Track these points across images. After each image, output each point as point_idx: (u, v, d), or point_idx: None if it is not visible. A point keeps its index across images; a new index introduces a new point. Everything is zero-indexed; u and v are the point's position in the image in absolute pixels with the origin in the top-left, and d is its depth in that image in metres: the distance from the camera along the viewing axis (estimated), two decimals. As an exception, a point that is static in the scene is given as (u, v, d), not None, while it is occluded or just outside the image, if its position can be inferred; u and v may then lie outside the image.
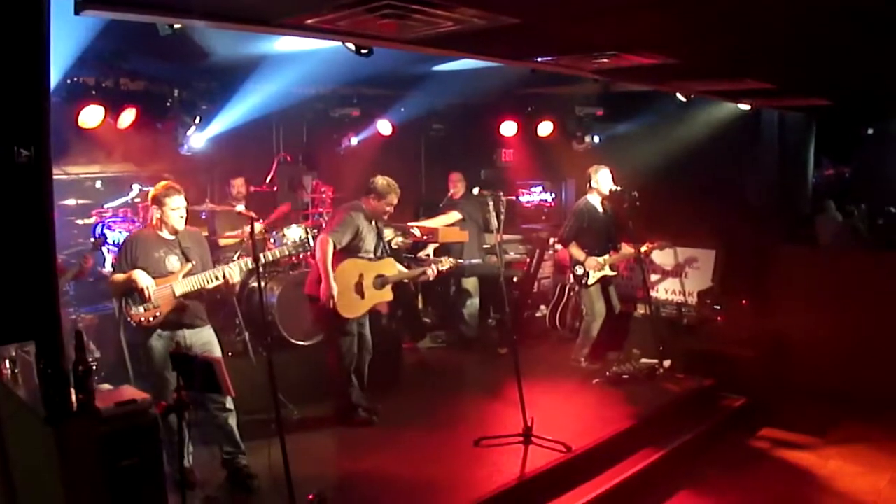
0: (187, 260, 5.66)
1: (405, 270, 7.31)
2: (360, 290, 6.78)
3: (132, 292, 5.44)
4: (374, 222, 6.94)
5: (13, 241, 3.56)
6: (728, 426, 7.78)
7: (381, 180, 6.86)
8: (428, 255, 8.63)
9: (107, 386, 5.13)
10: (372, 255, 6.89)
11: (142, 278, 5.42)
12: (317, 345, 7.71)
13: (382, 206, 6.85)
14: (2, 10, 3.43)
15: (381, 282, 6.90)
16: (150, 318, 5.45)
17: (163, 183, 5.73)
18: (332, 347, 6.92)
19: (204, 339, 5.69)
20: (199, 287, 5.61)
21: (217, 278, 5.64)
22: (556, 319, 9.82)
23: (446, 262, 7.31)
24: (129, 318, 5.51)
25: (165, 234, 5.66)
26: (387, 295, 7.01)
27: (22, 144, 3.47)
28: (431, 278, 7.29)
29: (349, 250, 6.73)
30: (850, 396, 7.94)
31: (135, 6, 4.18)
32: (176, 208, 5.59)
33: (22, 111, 3.52)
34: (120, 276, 5.53)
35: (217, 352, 5.71)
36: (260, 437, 5.57)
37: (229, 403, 5.60)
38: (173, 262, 5.62)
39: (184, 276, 5.57)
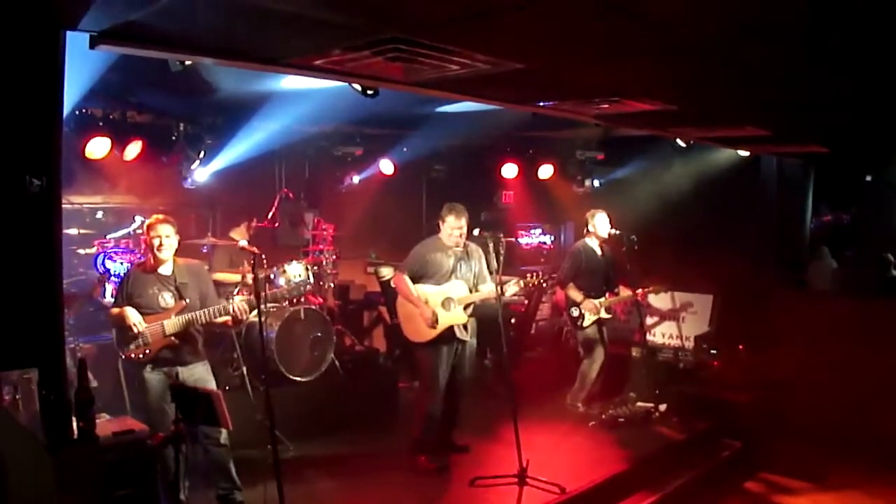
0: (181, 297, 5.62)
1: (478, 292, 7.03)
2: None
3: (123, 328, 5.45)
4: (453, 249, 6.88)
5: (21, 268, 3.61)
6: (723, 470, 7.76)
7: (445, 207, 6.90)
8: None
9: (105, 416, 5.16)
10: (442, 280, 6.83)
11: (131, 315, 5.43)
12: (314, 381, 7.72)
13: (447, 230, 6.82)
14: (20, 46, 3.51)
15: (449, 304, 6.79)
16: (140, 355, 5.45)
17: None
18: (421, 384, 7.06)
19: (196, 375, 5.63)
20: (192, 324, 5.59)
21: (221, 314, 5.65)
22: (553, 361, 9.82)
23: (535, 278, 7.09)
24: (120, 354, 5.54)
25: (163, 269, 5.65)
26: (459, 317, 6.84)
27: (34, 174, 3.54)
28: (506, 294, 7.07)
29: (415, 280, 6.79)
30: (847, 442, 7.91)
31: (148, 43, 4.26)
32: (154, 237, 5.56)
33: (35, 142, 3.59)
34: (115, 310, 5.56)
35: (211, 387, 5.63)
36: (256, 474, 5.57)
37: (224, 439, 5.55)
38: (167, 298, 5.60)
39: (177, 314, 5.55)
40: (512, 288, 6.90)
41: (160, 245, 5.56)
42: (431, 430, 6.86)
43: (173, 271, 5.68)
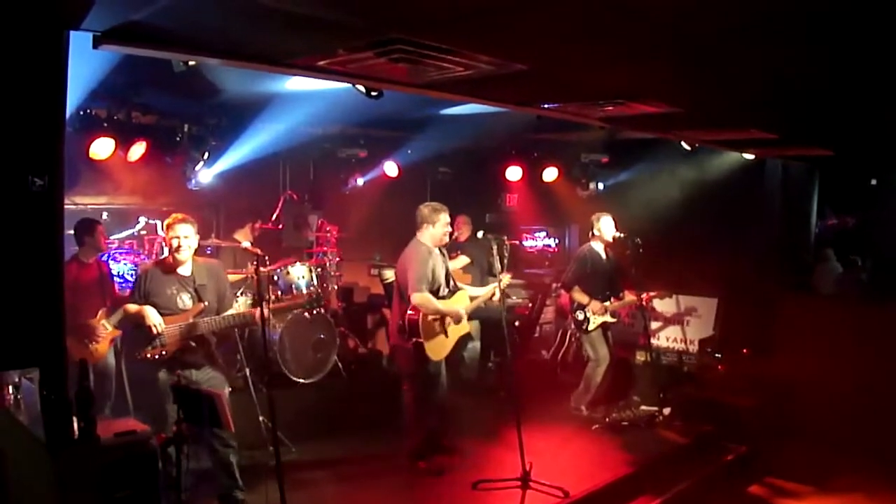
0: (200, 299, 5.56)
1: (477, 295, 7.12)
2: (442, 329, 6.67)
3: (141, 327, 5.38)
4: (438, 252, 6.80)
5: (22, 267, 3.60)
6: (727, 474, 7.70)
7: (424, 209, 6.75)
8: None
9: (107, 416, 5.16)
10: (446, 292, 6.77)
11: (151, 315, 5.35)
12: (317, 383, 7.71)
13: (440, 230, 6.72)
14: (23, 45, 3.51)
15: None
16: (157, 356, 5.37)
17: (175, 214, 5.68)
18: (412, 390, 6.85)
19: (210, 378, 5.57)
20: (211, 330, 5.56)
21: (242, 320, 5.69)
22: (557, 364, 9.80)
23: (506, 279, 7.12)
24: (135, 353, 5.45)
25: (182, 269, 5.58)
26: (465, 327, 6.89)
27: (36, 174, 3.53)
28: (496, 296, 6.98)
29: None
30: (852, 446, 7.88)
31: (151, 43, 4.25)
32: (172, 237, 5.50)
33: (37, 141, 3.59)
34: (132, 308, 5.49)
35: (224, 391, 5.62)
36: (258, 475, 5.55)
37: (232, 440, 5.52)
38: (185, 300, 5.53)
39: (195, 317, 5.49)
40: (505, 279, 6.90)
41: (178, 246, 5.50)
42: (430, 435, 6.84)
43: (192, 272, 5.62)
